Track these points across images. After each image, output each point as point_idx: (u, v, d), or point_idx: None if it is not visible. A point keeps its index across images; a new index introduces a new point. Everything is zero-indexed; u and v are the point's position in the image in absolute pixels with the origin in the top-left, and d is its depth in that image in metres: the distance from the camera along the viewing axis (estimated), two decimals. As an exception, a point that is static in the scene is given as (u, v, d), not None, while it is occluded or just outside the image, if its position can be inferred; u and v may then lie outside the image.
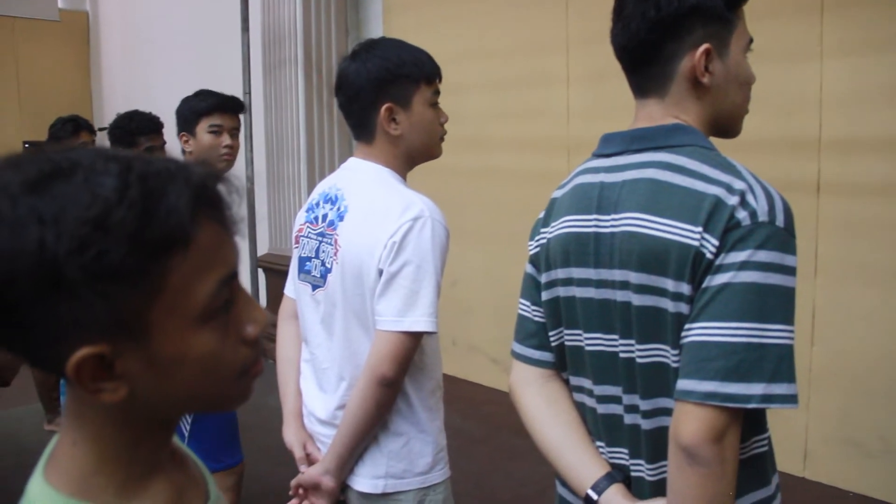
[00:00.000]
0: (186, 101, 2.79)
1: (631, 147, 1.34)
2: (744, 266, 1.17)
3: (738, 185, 1.22)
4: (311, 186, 5.78)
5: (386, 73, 1.78)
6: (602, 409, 1.38)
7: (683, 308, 1.23)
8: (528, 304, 1.51)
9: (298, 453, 1.88)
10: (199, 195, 0.69)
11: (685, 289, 1.22)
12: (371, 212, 1.77)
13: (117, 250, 0.63)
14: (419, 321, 1.70)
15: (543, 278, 1.45)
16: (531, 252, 1.50)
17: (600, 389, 1.38)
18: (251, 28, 6.01)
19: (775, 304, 1.18)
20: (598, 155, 1.41)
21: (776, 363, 1.16)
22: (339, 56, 5.94)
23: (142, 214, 0.65)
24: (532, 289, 1.50)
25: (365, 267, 1.74)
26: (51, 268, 0.62)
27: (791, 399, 1.17)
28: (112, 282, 0.64)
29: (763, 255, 1.18)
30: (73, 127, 4.33)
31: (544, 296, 1.45)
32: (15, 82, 9.59)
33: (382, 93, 1.79)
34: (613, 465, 1.37)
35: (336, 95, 1.88)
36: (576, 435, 1.42)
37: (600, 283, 1.34)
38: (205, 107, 2.73)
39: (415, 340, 1.72)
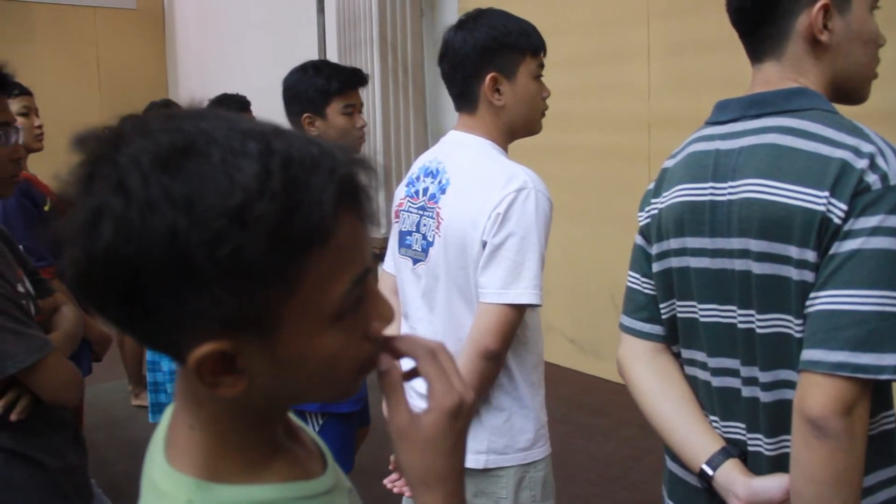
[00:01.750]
0: (307, 79, 2.50)
1: (748, 113, 1.30)
2: (875, 232, 1.13)
3: (867, 147, 1.16)
4: (388, 167, 5.80)
5: (493, 42, 1.76)
6: (717, 382, 1.35)
7: (808, 276, 1.18)
8: (637, 276, 1.48)
9: None
10: (343, 189, 0.64)
11: (810, 256, 1.18)
12: (474, 183, 1.75)
13: (254, 247, 0.59)
14: (523, 293, 1.68)
15: (654, 249, 1.42)
16: (641, 223, 1.47)
17: (715, 362, 1.34)
18: (326, 10, 6.05)
19: None
20: (711, 122, 1.37)
21: None
22: (413, 37, 5.94)
23: (283, 209, 0.59)
24: (642, 261, 1.46)
25: (468, 239, 1.72)
26: (180, 257, 0.58)
27: None
28: (245, 279, 0.60)
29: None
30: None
31: (655, 267, 1.42)
32: (96, 70, 9.85)
33: (487, 62, 1.77)
34: (728, 441, 1.33)
35: (440, 64, 1.86)
36: (688, 409, 1.39)
37: (716, 253, 1.30)
38: (338, 87, 2.47)
39: (519, 313, 1.71)
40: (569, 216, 5.12)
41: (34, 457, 1.66)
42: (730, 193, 1.27)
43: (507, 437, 1.79)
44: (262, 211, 0.59)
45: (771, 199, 1.21)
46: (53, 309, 1.84)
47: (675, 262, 1.38)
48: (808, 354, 1.15)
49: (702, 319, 1.35)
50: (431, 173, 1.85)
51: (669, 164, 1.43)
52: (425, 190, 1.85)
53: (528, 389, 1.82)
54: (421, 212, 1.85)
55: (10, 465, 1.64)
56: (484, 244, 1.70)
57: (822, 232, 1.16)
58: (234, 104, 3.51)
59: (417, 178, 1.90)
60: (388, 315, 0.73)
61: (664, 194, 1.40)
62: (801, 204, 1.17)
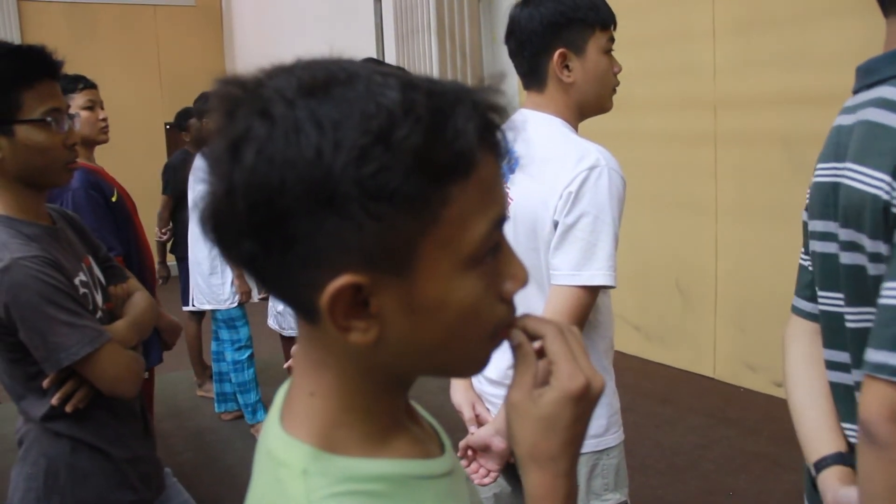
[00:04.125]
0: None
1: (865, 82, 1.19)
2: None
3: None
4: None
5: (560, 17, 1.70)
6: (831, 376, 1.27)
7: (883, 269, 1.08)
8: (803, 252, 1.40)
9: (467, 414, 1.83)
10: (487, 122, 0.62)
11: (883, 248, 1.08)
12: (545, 162, 1.69)
13: (398, 169, 0.57)
14: (596, 275, 1.62)
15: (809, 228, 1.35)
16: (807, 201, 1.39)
17: (828, 354, 1.27)
18: (383, -2, 6.03)
19: None
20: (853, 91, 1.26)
21: None
22: (471, 22, 5.88)
23: (428, 132, 0.58)
24: (806, 237, 1.38)
25: (539, 220, 1.67)
26: (324, 178, 0.57)
27: None
28: (387, 203, 0.58)
29: None
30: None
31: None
32: (157, 66, 10.02)
33: (555, 37, 1.71)
34: (851, 443, 1.25)
35: (506, 42, 1.81)
36: (822, 403, 1.30)
37: (831, 237, 1.22)
38: None
39: (592, 295, 1.65)
40: (632, 201, 4.98)
41: (99, 446, 1.66)
42: (843, 176, 1.18)
43: None
44: (406, 132, 0.58)
45: (852, 185, 1.13)
46: (126, 296, 1.83)
47: (811, 245, 1.32)
48: (865, 353, 1.06)
49: (820, 307, 1.28)
50: None
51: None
52: None
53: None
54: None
55: (77, 453, 1.65)
56: (555, 224, 1.65)
57: (889, 221, 1.06)
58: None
59: None
60: (521, 276, 0.69)
61: (814, 172, 1.32)
62: (871, 191, 1.08)
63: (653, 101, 4.79)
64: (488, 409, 1.83)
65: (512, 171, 1.74)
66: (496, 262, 0.67)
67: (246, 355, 4.44)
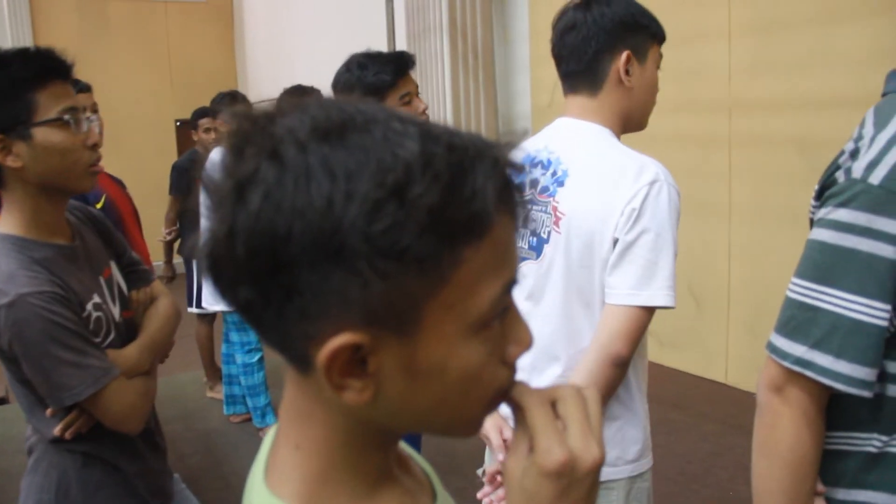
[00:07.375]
0: (353, 77, 2.30)
1: (886, 90, 1.21)
2: (819, 223, 1.13)
3: (868, 132, 1.12)
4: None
5: (631, 19, 1.66)
6: None
7: None
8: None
9: (496, 441, 1.73)
10: (505, 181, 0.59)
11: None
12: (602, 175, 1.62)
13: (411, 226, 0.54)
14: (657, 295, 1.55)
15: None
16: None
17: None
18: (395, -4, 6.00)
19: (845, 268, 1.09)
20: None
21: (827, 331, 1.09)
22: (483, 22, 5.85)
23: (445, 190, 0.55)
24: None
25: (597, 236, 1.59)
26: (333, 230, 0.54)
27: (842, 379, 1.08)
28: (397, 262, 0.55)
29: (843, 214, 1.09)
30: (231, 101, 4.40)
31: None
32: (167, 63, 10.00)
33: (623, 39, 1.65)
34: None
35: (561, 38, 1.71)
36: None
37: None
38: (390, 80, 2.29)
39: (649, 315, 1.57)
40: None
41: (111, 460, 1.64)
42: None
43: (619, 448, 1.67)
44: (423, 188, 0.55)
45: None
46: (148, 301, 1.77)
47: None
48: None
49: None
50: (541, 164, 1.71)
51: None
52: (534, 182, 1.71)
53: (640, 395, 1.70)
54: (529, 206, 1.71)
55: (88, 467, 1.62)
56: (615, 241, 1.58)
57: None
58: (307, 95, 3.46)
59: None
60: (526, 339, 0.65)
61: None
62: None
63: (667, 102, 4.71)
64: None
65: (560, 184, 1.66)
66: (503, 326, 0.63)
67: (256, 358, 4.39)
